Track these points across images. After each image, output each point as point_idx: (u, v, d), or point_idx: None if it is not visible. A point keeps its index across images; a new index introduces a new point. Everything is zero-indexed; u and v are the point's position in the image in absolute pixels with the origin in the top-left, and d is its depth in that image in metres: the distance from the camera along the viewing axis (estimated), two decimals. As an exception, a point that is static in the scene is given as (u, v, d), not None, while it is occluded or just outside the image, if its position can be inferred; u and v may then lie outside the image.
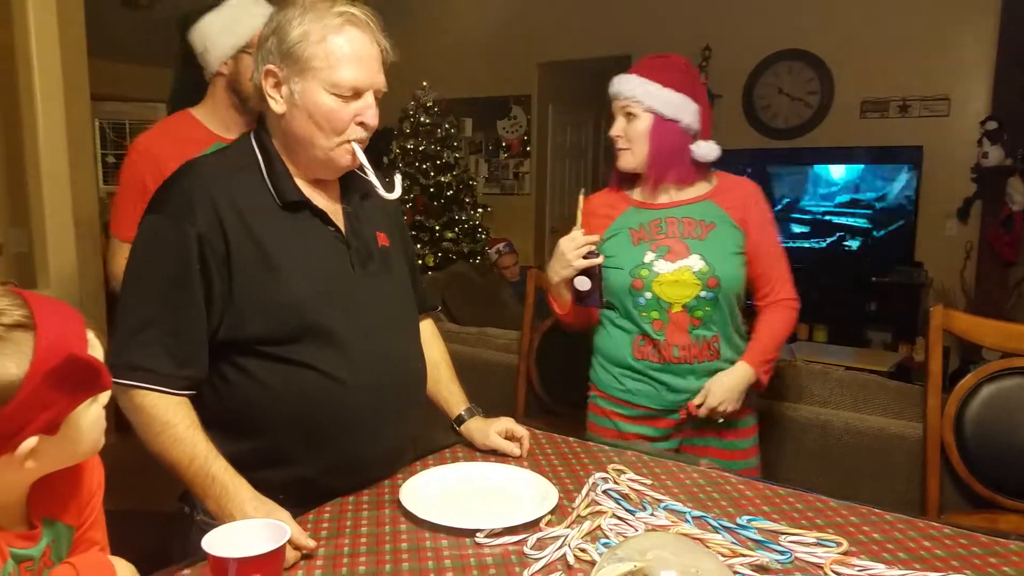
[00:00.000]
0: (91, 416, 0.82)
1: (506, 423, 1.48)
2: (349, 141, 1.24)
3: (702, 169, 1.82)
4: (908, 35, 4.94)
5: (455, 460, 1.44)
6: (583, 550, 1.11)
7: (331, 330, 1.23)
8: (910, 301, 4.93)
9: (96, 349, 0.82)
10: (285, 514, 1.10)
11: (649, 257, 1.78)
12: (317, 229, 1.27)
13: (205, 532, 0.94)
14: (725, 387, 1.76)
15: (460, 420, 1.50)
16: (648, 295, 1.77)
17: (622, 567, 0.78)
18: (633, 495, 1.31)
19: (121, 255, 1.77)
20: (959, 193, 4.88)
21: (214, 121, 1.92)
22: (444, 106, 5.24)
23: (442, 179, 4.68)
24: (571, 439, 1.58)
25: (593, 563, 1.08)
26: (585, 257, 1.70)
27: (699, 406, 1.77)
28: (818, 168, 5.22)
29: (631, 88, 1.78)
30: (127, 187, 1.90)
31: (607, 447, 1.54)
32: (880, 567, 1.09)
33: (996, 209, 4.61)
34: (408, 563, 1.08)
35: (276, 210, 1.24)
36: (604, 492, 1.31)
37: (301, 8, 1.20)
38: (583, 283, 1.71)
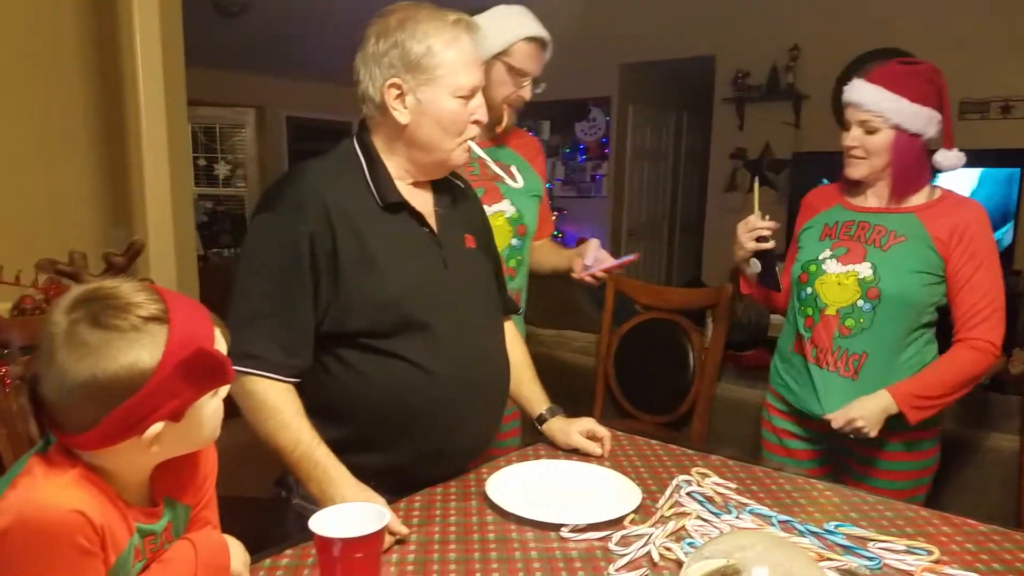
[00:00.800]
0: (212, 406, 0.87)
1: (588, 423, 1.51)
2: (465, 140, 1.33)
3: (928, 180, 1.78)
4: (1009, 32, 4.71)
5: (537, 457, 1.47)
6: (668, 548, 1.13)
7: (425, 325, 1.28)
8: (1007, 312, 4.66)
9: (221, 345, 0.87)
10: (381, 500, 1.16)
11: (825, 254, 1.79)
12: (413, 229, 1.34)
13: (302, 516, 1.00)
14: (866, 407, 1.67)
15: (542, 419, 1.53)
16: (809, 290, 1.79)
17: (713, 563, 0.79)
18: (717, 498, 1.31)
19: None
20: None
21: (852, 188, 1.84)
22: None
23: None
24: (653, 441, 1.59)
25: (678, 562, 1.09)
26: (757, 241, 1.78)
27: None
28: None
29: (874, 101, 1.71)
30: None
31: (690, 451, 1.54)
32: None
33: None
34: (496, 552, 1.12)
35: (377, 211, 1.30)
36: (688, 494, 1.31)
37: (413, 21, 1.27)
38: (755, 265, 1.82)
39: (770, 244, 1.78)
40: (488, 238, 1.53)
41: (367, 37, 1.30)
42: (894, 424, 1.68)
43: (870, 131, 1.71)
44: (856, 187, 1.82)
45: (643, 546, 1.13)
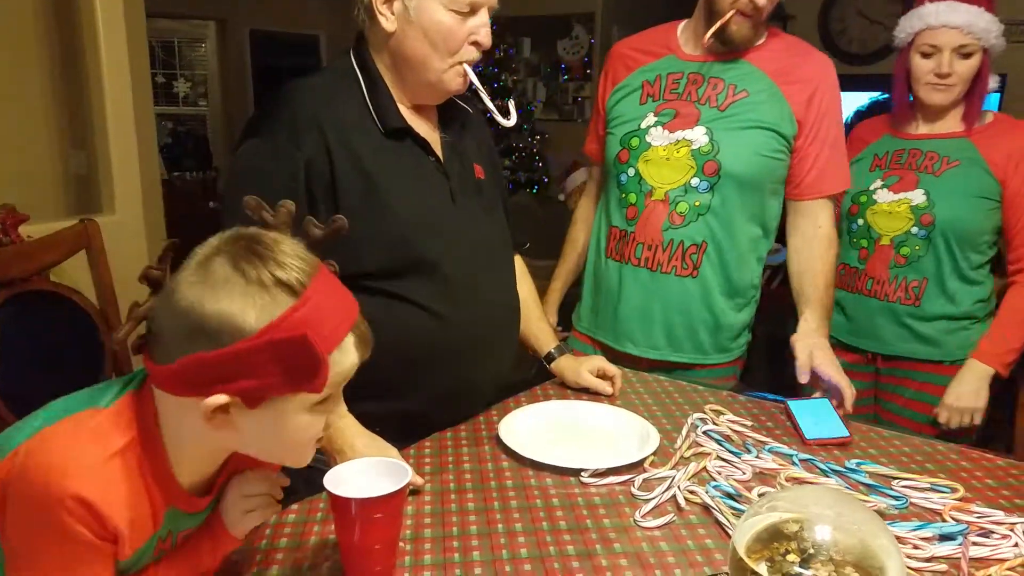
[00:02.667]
0: (302, 419, 0.74)
1: (598, 361, 1.46)
2: (462, 62, 1.20)
3: None
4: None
5: (547, 398, 1.42)
6: (692, 492, 1.09)
7: (435, 263, 1.20)
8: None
9: (349, 356, 0.75)
10: (393, 451, 1.10)
11: (875, 184, 1.74)
12: (419, 158, 1.23)
13: (311, 468, 0.94)
14: (963, 389, 1.66)
15: (550, 358, 1.47)
16: (860, 222, 1.76)
17: (772, 517, 0.74)
18: (735, 437, 1.28)
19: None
20: None
21: (685, 34, 1.62)
22: (501, 24, 5.03)
23: (498, 102, 4.57)
24: (661, 377, 1.55)
25: (703, 506, 1.06)
26: None
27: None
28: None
29: (968, 20, 1.59)
30: (595, 98, 1.76)
31: (701, 387, 1.50)
32: (999, 514, 1.04)
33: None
34: (516, 500, 1.07)
35: (379, 137, 1.19)
36: (705, 433, 1.28)
37: None
38: None
39: None
40: (496, 168, 1.42)
41: None
42: (940, 356, 1.70)
43: (966, 55, 1.62)
44: (907, 115, 1.75)
45: (667, 490, 1.09)
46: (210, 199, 5.31)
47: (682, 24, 1.62)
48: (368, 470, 0.92)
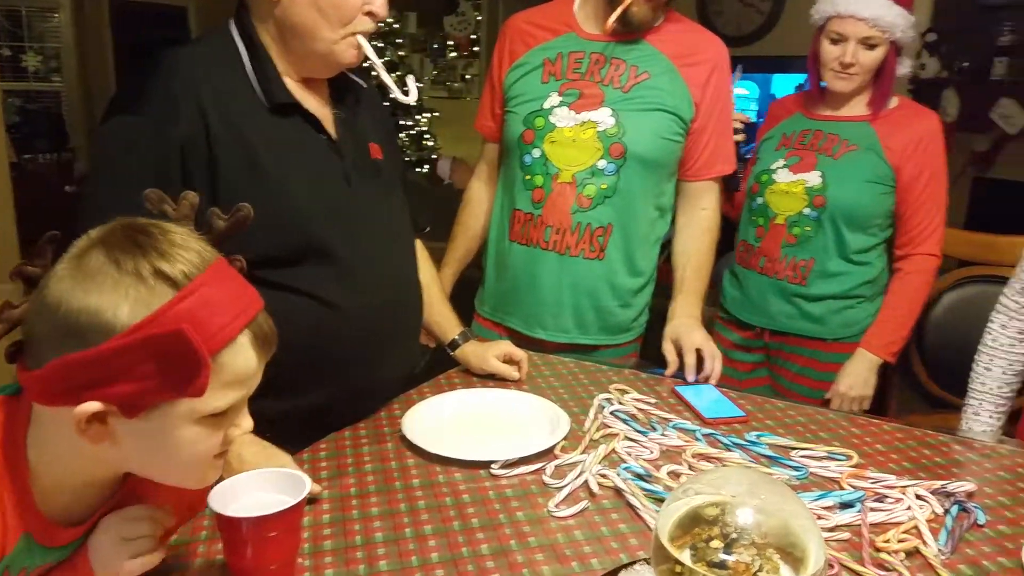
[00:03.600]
0: (190, 432, 0.66)
1: (504, 347, 1.42)
2: (355, 33, 1.11)
3: None
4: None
5: (452, 387, 1.36)
6: (604, 476, 1.07)
7: (329, 250, 1.11)
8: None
9: (241, 354, 0.66)
10: (287, 459, 1.02)
11: (778, 164, 1.77)
12: (309, 136, 1.14)
13: None
14: (853, 375, 1.72)
15: (455, 344, 1.42)
16: (760, 200, 1.79)
17: (695, 501, 0.73)
18: (640, 415, 1.28)
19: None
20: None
21: (584, 11, 1.57)
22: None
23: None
24: (567, 360, 1.53)
25: (615, 489, 1.05)
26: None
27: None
28: (775, 77, 5.13)
29: (876, 14, 1.61)
30: (488, 73, 1.69)
31: (605, 367, 1.49)
32: (891, 478, 1.09)
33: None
34: (424, 500, 1.02)
35: (264, 113, 1.09)
36: (612, 414, 1.27)
37: None
38: None
39: (740, 136, 1.70)
40: (394, 146, 1.35)
41: None
42: (824, 333, 1.77)
43: (871, 46, 1.65)
44: (817, 96, 1.78)
45: (578, 476, 1.07)
46: (67, 182, 4.89)
47: (577, 1, 1.59)
48: (259, 483, 0.84)
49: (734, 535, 0.70)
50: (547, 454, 1.13)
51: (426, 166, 4.51)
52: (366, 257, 1.16)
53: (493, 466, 1.09)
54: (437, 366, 1.46)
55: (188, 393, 0.62)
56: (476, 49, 5.47)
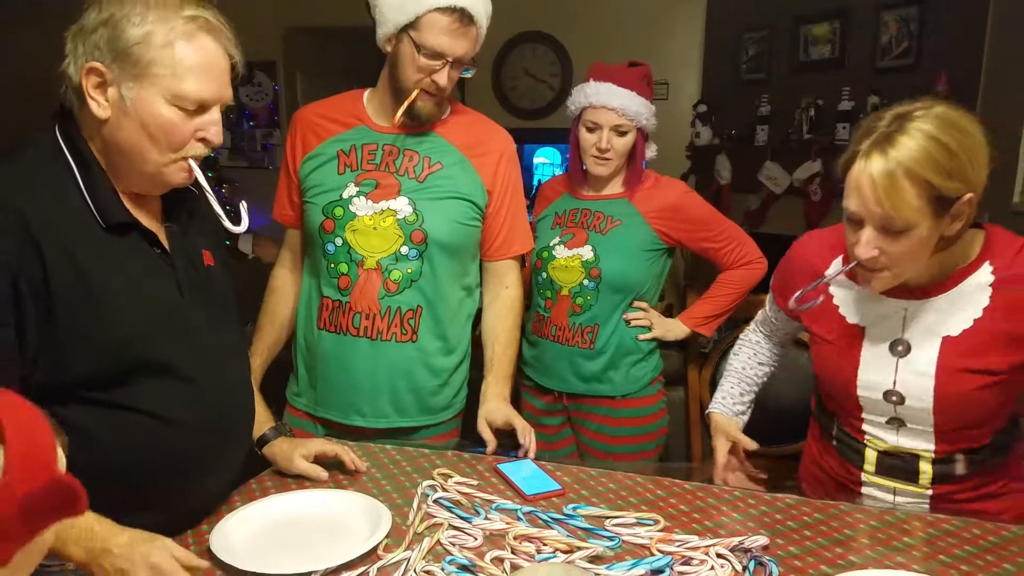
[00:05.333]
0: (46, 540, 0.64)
1: (315, 445, 1.37)
2: (187, 158, 1.07)
3: None
4: (633, 23, 5.36)
5: (264, 493, 1.29)
6: (429, 572, 1.07)
7: (162, 365, 1.07)
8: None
9: (63, 461, 0.63)
10: (164, 540, 0.98)
11: (555, 241, 1.90)
12: (143, 251, 1.09)
13: None
14: (663, 326, 1.91)
15: (264, 440, 1.36)
16: (544, 275, 1.90)
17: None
18: (464, 500, 1.29)
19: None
20: (678, 169, 5.46)
21: (372, 104, 1.63)
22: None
23: (180, 152, 4.20)
24: (388, 447, 1.51)
25: (441, 584, 1.05)
26: None
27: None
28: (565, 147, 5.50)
29: (622, 103, 1.79)
30: (283, 163, 1.70)
31: (427, 450, 1.49)
32: (695, 539, 1.17)
33: (708, 183, 5.24)
34: (239, 623, 0.96)
35: (98, 231, 1.03)
36: (435, 502, 1.27)
37: (143, 3, 1.02)
38: None
39: None
40: (224, 251, 1.30)
41: (88, 4, 1.03)
42: (613, 392, 1.90)
43: (621, 133, 1.83)
44: (580, 178, 1.95)
45: (403, 575, 1.06)
46: None
47: (367, 94, 1.65)
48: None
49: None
50: (370, 555, 1.11)
51: (227, 241, 4.30)
52: (203, 366, 1.12)
53: (313, 576, 1.05)
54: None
55: (71, 516, 0.59)
56: (276, 119, 5.39)
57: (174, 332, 1.10)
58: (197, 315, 1.14)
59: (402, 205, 1.54)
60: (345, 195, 1.55)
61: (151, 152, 1.05)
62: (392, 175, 1.56)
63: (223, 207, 1.12)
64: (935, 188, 1.08)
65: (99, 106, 1.03)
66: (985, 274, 1.20)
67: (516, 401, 2.07)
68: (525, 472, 1.41)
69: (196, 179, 1.10)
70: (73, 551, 0.95)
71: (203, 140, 1.08)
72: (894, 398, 1.28)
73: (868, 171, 1.11)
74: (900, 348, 1.27)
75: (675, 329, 1.93)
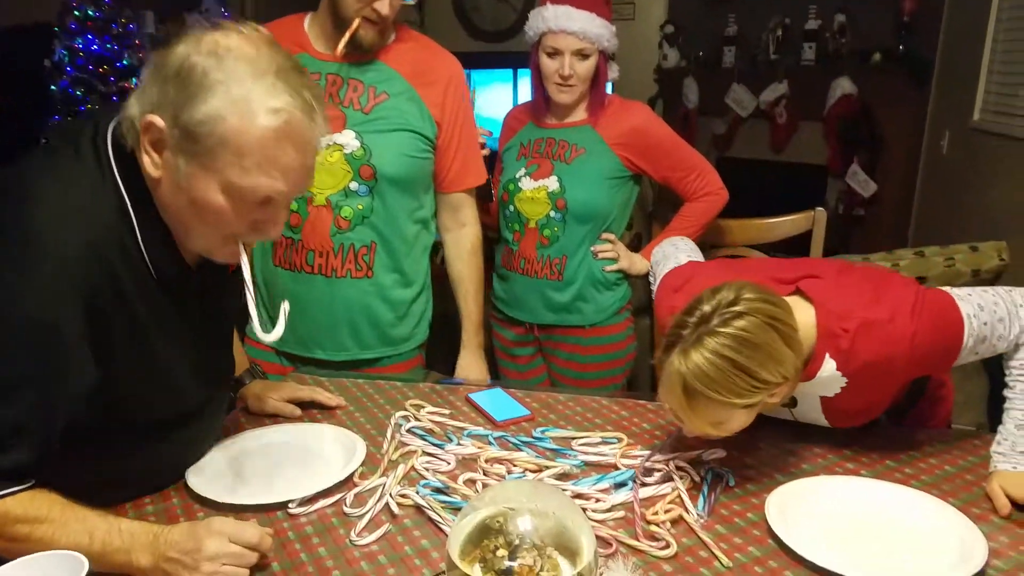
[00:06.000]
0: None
1: (290, 390, 1.39)
2: (237, 242, 0.99)
3: None
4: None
5: (238, 430, 1.30)
6: (404, 496, 1.12)
7: (197, 412, 1.12)
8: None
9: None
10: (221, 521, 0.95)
11: (520, 173, 1.88)
12: (188, 301, 1.05)
13: None
14: (630, 266, 1.93)
15: (239, 383, 1.38)
16: (511, 208, 1.90)
17: (481, 515, 0.80)
18: (437, 428, 1.33)
19: None
20: (645, 92, 5.41)
21: (314, 30, 1.58)
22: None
23: (125, 84, 4.04)
24: (360, 380, 1.55)
25: (416, 507, 1.10)
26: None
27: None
28: (523, 72, 5.40)
29: (582, 26, 1.75)
30: None
31: (399, 382, 1.53)
32: (657, 455, 1.24)
33: (675, 107, 5.21)
34: (222, 551, 1.00)
35: (151, 283, 0.98)
36: (409, 431, 1.31)
37: (228, 60, 0.88)
38: None
39: (485, 151, 1.78)
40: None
41: (175, 42, 0.90)
42: (582, 321, 1.93)
43: (584, 57, 1.80)
44: (543, 106, 1.92)
45: (379, 500, 1.11)
46: None
47: (307, 19, 1.61)
48: (33, 569, 0.79)
49: (516, 542, 0.78)
50: (346, 483, 1.15)
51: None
52: (204, 390, 1.13)
53: (290, 506, 1.09)
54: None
55: None
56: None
57: (206, 377, 1.11)
58: (213, 355, 1.15)
59: (348, 139, 1.52)
60: None
61: (196, 230, 0.95)
62: (337, 107, 1.53)
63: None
64: (729, 401, 1.04)
65: (152, 164, 0.92)
66: (830, 368, 1.15)
67: (487, 333, 2.11)
68: (496, 400, 1.45)
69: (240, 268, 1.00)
70: (118, 558, 0.91)
71: (259, 231, 0.97)
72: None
73: (674, 375, 1.06)
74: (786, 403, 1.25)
75: (639, 264, 1.95)
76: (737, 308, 1.03)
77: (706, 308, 1.05)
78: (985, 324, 1.12)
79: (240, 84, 0.87)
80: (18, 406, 0.86)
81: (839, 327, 1.13)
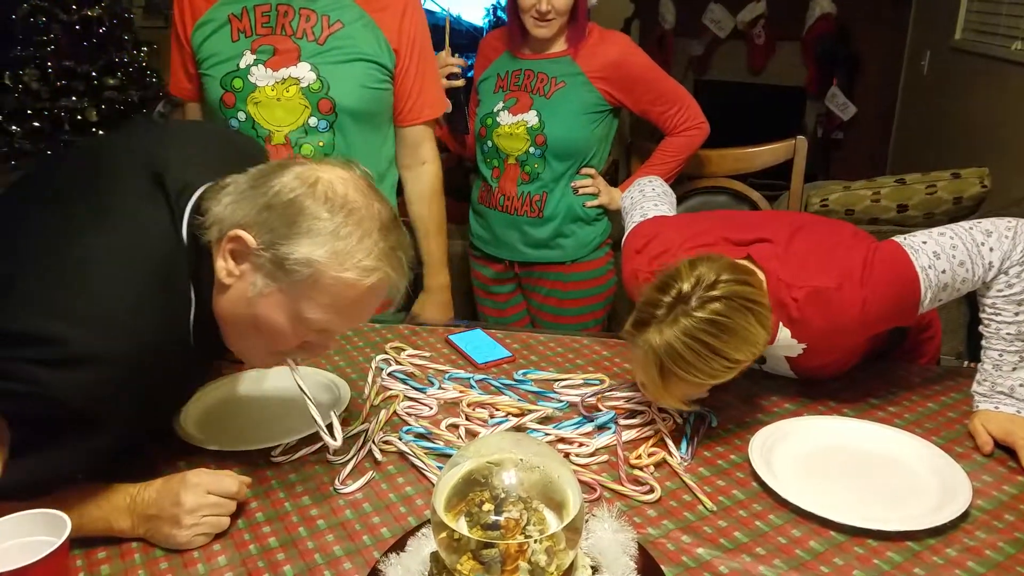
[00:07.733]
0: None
1: None
2: (283, 357, 0.97)
3: None
4: None
5: (219, 374, 1.29)
6: (387, 442, 1.11)
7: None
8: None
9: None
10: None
11: (498, 107, 1.83)
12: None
13: None
14: (610, 202, 1.89)
15: None
16: (489, 143, 1.86)
17: (465, 467, 0.79)
18: (418, 372, 1.32)
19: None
20: (621, 14, 5.24)
21: None
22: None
23: (89, 12, 3.81)
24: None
25: (399, 452, 1.09)
26: (448, 78, 1.75)
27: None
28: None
29: None
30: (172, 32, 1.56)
31: (378, 325, 1.51)
32: (636, 395, 1.24)
33: (652, 28, 5.06)
34: (204, 503, 0.99)
35: (188, 348, 0.95)
36: (390, 375, 1.30)
37: (329, 207, 0.87)
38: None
39: (460, 82, 1.74)
40: None
41: (284, 168, 0.89)
42: (562, 257, 1.91)
43: None
44: (520, 38, 1.84)
45: (362, 447, 1.10)
46: None
47: None
48: (15, 528, 0.77)
49: (502, 495, 0.77)
50: (329, 429, 1.13)
51: (145, 110, 4.06)
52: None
53: (273, 454, 1.08)
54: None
55: None
56: None
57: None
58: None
59: (304, 72, 1.44)
60: (242, 64, 1.44)
61: (248, 340, 0.94)
62: (289, 38, 1.45)
63: None
64: (703, 382, 1.04)
65: (227, 272, 0.89)
66: (785, 336, 1.16)
67: (466, 271, 2.08)
68: (476, 341, 1.44)
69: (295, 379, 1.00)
70: (123, 523, 0.92)
71: (307, 352, 0.98)
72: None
73: (650, 354, 1.03)
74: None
75: (618, 199, 1.92)
76: (715, 292, 1.02)
77: (684, 287, 1.03)
78: (944, 272, 1.10)
79: (346, 240, 0.87)
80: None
81: (788, 296, 1.13)
